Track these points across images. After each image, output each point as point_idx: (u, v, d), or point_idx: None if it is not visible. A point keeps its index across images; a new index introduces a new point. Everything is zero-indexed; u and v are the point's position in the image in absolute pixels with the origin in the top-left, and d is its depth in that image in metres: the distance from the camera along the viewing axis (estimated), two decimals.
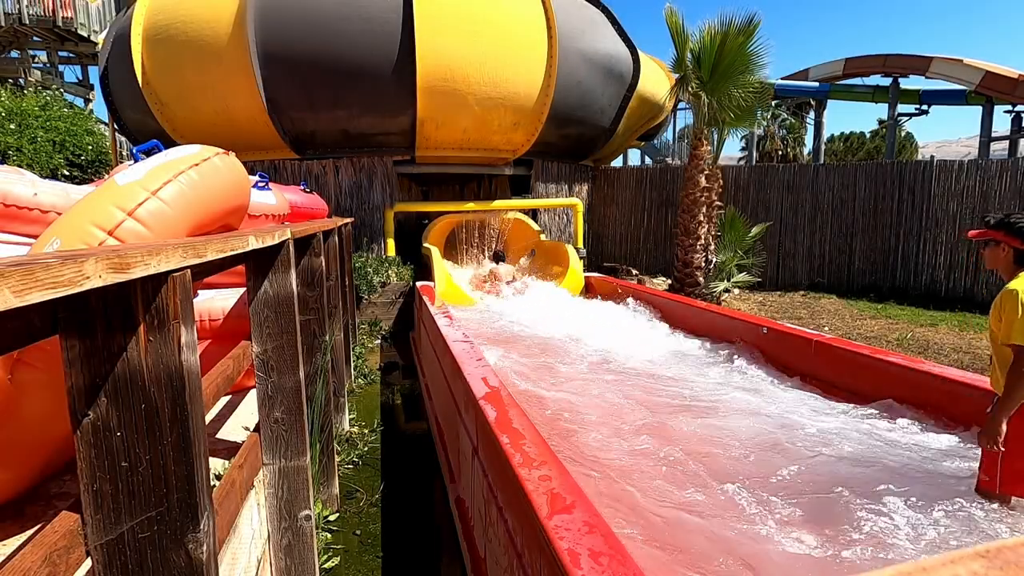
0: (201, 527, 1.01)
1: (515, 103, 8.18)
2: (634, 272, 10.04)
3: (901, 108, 22.40)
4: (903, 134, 29.83)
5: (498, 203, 9.22)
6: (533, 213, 9.79)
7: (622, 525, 2.50)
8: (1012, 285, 2.46)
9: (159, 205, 1.48)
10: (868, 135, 32.81)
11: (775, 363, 4.66)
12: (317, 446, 3.12)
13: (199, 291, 3.24)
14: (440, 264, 7.64)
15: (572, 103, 8.72)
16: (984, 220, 2.68)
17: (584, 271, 9.03)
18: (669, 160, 21.07)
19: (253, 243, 1.56)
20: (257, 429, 2.27)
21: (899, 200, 9.23)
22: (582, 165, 10.75)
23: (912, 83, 22.03)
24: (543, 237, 9.47)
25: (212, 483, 2.07)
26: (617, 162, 17.36)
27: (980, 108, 20.80)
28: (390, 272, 7.92)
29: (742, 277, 8.83)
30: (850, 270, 9.73)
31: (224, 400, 3.19)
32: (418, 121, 7.90)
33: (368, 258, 8.29)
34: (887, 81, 21.81)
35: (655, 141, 19.79)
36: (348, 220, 6.89)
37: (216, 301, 3.33)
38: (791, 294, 9.66)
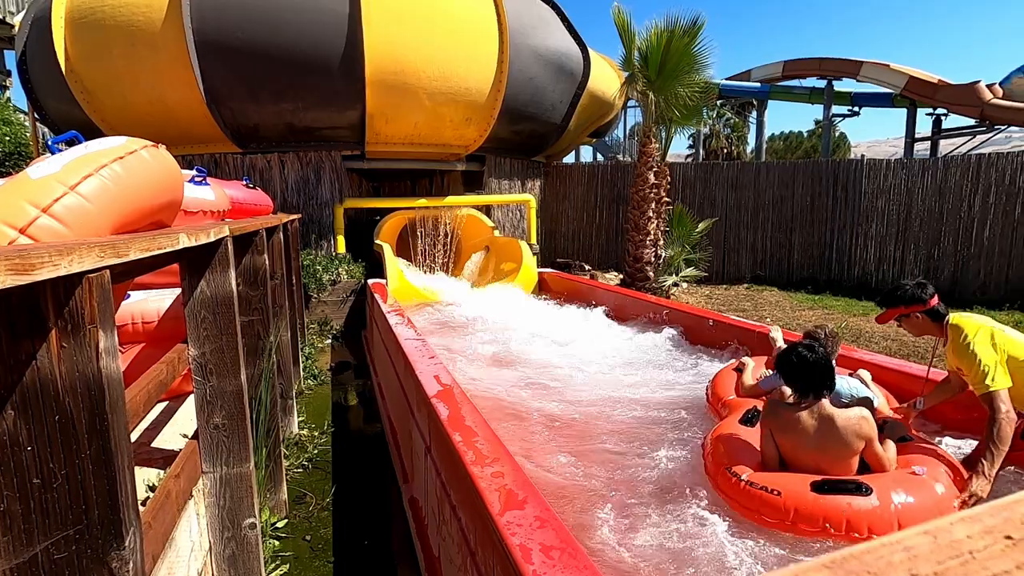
0: (126, 544, 0.95)
1: (467, 98, 8.12)
2: (587, 267, 10.19)
3: (835, 109, 23.63)
4: (837, 134, 31.48)
5: (451, 199, 9.14)
6: (486, 209, 9.76)
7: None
8: (960, 344, 2.47)
9: (78, 201, 1.38)
10: (806, 135, 34.46)
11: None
12: (263, 451, 3.01)
13: (130, 292, 3.06)
14: (392, 261, 7.52)
15: (524, 99, 8.73)
16: (878, 303, 2.76)
17: (537, 267, 9.09)
18: (620, 157, 21.45)
19: (185, 241, 1.48)
20: (196, 436, 2.16)
21: (834, 197, 9.74)
22: (534, 161, 10.80)
23: (845, 85, 23.25)
24: (496, 233, 9.46)
25: (146, 495, 1.97)
26: (569, 158, 17.55)
27: (905, 110, 22.14)
28: (340, 270, 7.73)
29: (690, 272, 9.10)
30: (789, 263, 10.20)
31: (161, 406, 3.03)
32: (367, 115, 7.73)
33: (317, 256, 8.07)
34: (823, 83, 22.93)
35: (606, 138, 20.10)
36: (295, 216, 6.68)
37: (150, 302, 3.15)
38: (736, 287, 10.04)
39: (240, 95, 7.37)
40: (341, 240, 8.37)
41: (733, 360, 3.88)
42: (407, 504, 3.35)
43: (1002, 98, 18.13)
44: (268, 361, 3.13)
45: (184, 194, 3.14)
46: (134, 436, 2.61)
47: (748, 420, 2.86)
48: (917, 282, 2.70)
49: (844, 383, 2.91)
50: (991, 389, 2.34)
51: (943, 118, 22.20)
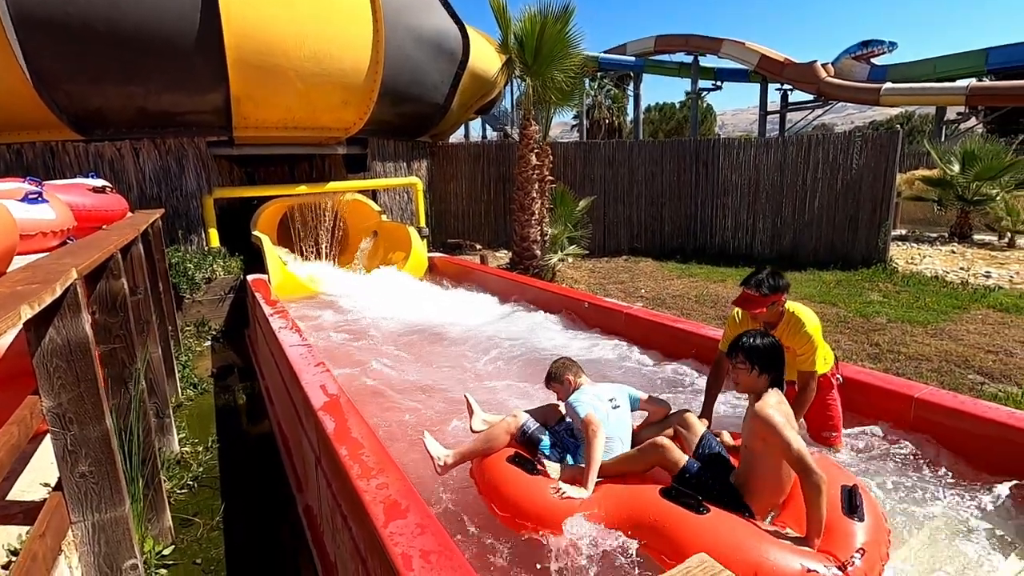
0: None
1: (342, 80, 7.82)
2: (478, 247, 10.39)
3: (701, 83, 25.53)
4: (705, 106, 34.03)
5: (333, 185, 8.84)
6: (372, 193, 9.56)
7: None
8: (800, 329, 2.81)
9: None
10: (678, 106, 36.86)
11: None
12: (140, 481, 2.91)
13: None
14: (273, 253, 7.20)
15: (404, 80, 8.57)
16: (760, 294, 2.79)
17: (429, 249, 9.13)
18: (509, 128, 21.64)
19: (28, 313, 1.44)
20: (60, 487, 2.08)
21: (696, 172, 10.70)
22: (420, 142, 10.68)
23: (709, 61, 25.10)
24: (384, 218, 9.33)
25: (7, 560, 1.89)
26: (460, 132, 17.49)
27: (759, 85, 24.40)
28: (215, 266, 7.26)
29: (573, 249, 9.63)
30: (662, 235, 11.12)
31: None
32: (233, 98, 7.19)
33: (187, 252, 7.50)
34: (690, 58, 24.59)
35: (494, 111, 20.17)
36: (157, 213, 6.13)
37: None
38: (616, 259, 10.79)
39: (76, 77, 6.52)
40: (214, 233, 7.83)
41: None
42: (302, 512, 3.42)
43: (833, 76, 20.67)
44: (137, 387, 3.00)
45: (18, 216, 2.85)
46: None
47: (691, 504, 2.17)
48: (776, 271, 2.87)
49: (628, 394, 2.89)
50: (815, 370, 2.83)
51: (789, 93, 24.85)
